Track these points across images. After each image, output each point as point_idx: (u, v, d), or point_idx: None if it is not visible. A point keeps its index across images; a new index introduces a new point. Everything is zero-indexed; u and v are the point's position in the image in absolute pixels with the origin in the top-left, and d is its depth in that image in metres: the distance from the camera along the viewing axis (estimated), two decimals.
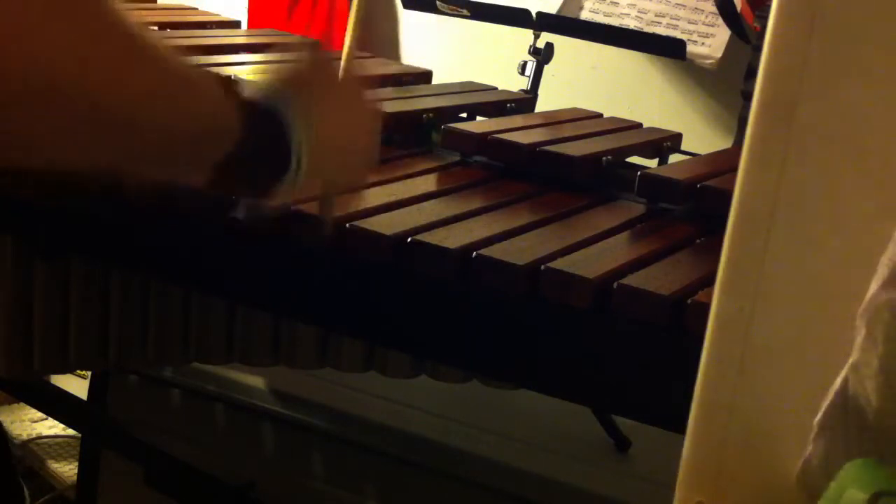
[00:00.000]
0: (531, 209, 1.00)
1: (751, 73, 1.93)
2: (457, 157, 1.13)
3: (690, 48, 2.11)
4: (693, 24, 2.26)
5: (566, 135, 1.18)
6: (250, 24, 2.61)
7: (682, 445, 0.54)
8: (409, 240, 0.85)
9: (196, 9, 1.76)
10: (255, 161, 0.67)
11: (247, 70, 1.29)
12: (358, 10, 0.89)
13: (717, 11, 2.16)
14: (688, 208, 1.01)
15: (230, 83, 0.69)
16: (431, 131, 1.19)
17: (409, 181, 1.04)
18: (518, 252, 0.84)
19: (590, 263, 0.84)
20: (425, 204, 0.97)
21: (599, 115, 1.36)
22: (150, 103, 0.59)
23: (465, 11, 2.05)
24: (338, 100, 0.76)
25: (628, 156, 1.19)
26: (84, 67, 0.54)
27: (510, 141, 1.10)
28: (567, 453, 1.40)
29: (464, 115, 1.29)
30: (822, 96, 0.49)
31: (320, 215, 0.83)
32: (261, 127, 0.67)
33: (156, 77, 0.59)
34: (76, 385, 1.78)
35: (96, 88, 0.55)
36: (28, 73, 0.52)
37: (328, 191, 0.81)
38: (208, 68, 0.72)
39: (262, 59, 1.42)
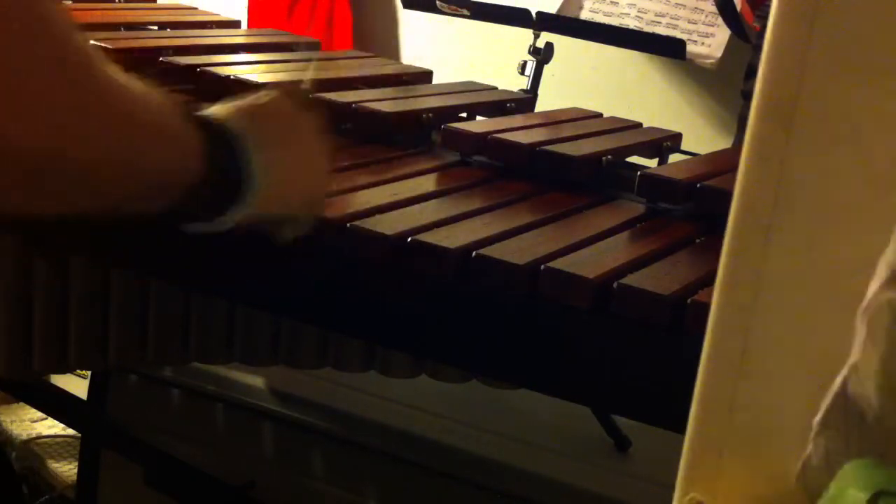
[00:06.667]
0: (531, 209, 1.00)
1: (751, 73, 1.93)
2: (457, 157, 1.13)
3: (690, 48, 2.11)
4: (693, 23, 2.26)
5: (566, 135, 1.18)
6: (250, 24, 2.61)
7: (682, 445, 0.54)
8: (409, 240, 0.85)
9: (196, 8, 1.76)
10: (214, 190, 0.74)
11: (247, 70, 1.29)
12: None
13: (716, 11, 2.16)
14: (688, 208, 1.01)
15: (197, 117, 0.75)
16: (431, 131, 1.19)
17: (409, 181, 1.04)
18: (518, 252, 0.84)
19: (590, 263, 0.84)
20: (425, 204, 0.97)
21: (599, 115, 1.36)
22: (127, 160, 0.66)
23: (465, 11, 2.05)
24: (292, 134, 0.83)
25: (628, 155, 1.19)
26: (82, 140, 0.61)
27: (510, 141, 1.10)
28: (567, 453, 1.40)
29: (464, 114, 1.29)
30: (822, 96, 0.49)
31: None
32: (221, 159, 0.74)
33: (133, 136, 0.66)
34: (76, 385, 1.78)
35: (87, 157, 0.62)
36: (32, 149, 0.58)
37: (283, 216, 0.84)
38: (175, 93, 0.77)
39: (263, 59, 1.42)
